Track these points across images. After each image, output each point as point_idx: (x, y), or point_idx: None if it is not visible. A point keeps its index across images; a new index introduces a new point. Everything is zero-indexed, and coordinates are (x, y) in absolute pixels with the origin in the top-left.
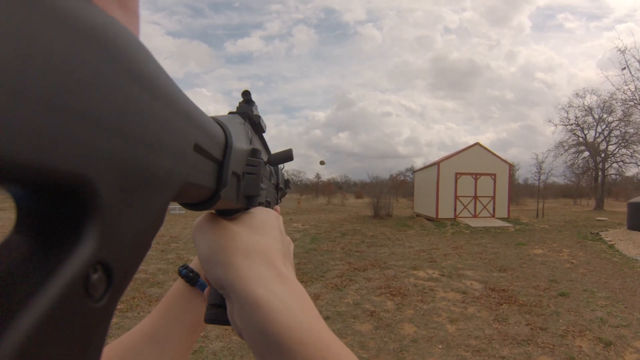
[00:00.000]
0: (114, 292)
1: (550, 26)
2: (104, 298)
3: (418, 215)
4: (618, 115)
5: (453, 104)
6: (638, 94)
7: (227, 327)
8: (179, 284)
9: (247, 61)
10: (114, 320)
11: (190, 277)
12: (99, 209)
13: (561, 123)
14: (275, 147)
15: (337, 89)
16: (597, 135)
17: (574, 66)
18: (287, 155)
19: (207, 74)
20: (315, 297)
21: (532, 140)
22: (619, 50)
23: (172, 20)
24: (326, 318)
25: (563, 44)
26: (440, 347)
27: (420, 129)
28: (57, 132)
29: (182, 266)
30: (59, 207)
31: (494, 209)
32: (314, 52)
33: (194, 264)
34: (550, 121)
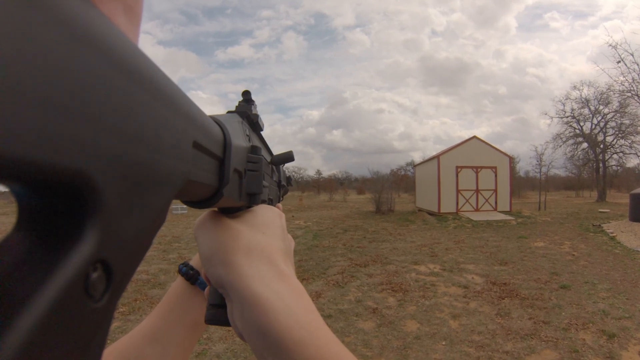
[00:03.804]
0: (113, 291)
1: (536, 26)
2: (104, 298)
3: (420, 210)
4: (614, 107)
5: (447, 100)
6: (635, 85)
7: (230, 328)
8: (179, 282)
9: (240, 66)
10: (116, 324)
11: (190, 275)
12: (99, 206)
13: (557, 115)
14: (270, 146)
15: (331, 89)
16: (594, 127)
17: (565, 61)
18: (288, 156)
19: (201, 79)
20: (317, 295)
21: (526, 134)
22: (611, 45)
23: (164, 30)
24: (328, 316)
25: (549, 43)
26: (443, 343)
27: (413, 124)
28: (56, 130)
29: (182, 264)
30: (59, 204)
31: (496, 202)
32: (304, 57)
33: (194, 262)
34: (546, 114)
